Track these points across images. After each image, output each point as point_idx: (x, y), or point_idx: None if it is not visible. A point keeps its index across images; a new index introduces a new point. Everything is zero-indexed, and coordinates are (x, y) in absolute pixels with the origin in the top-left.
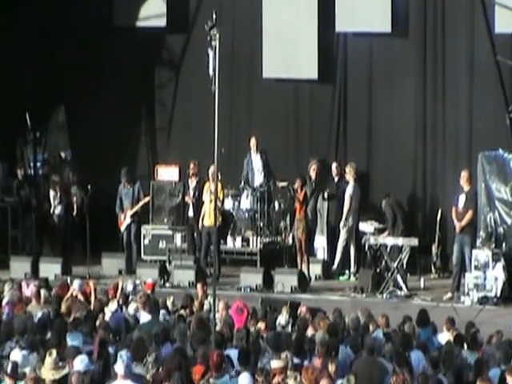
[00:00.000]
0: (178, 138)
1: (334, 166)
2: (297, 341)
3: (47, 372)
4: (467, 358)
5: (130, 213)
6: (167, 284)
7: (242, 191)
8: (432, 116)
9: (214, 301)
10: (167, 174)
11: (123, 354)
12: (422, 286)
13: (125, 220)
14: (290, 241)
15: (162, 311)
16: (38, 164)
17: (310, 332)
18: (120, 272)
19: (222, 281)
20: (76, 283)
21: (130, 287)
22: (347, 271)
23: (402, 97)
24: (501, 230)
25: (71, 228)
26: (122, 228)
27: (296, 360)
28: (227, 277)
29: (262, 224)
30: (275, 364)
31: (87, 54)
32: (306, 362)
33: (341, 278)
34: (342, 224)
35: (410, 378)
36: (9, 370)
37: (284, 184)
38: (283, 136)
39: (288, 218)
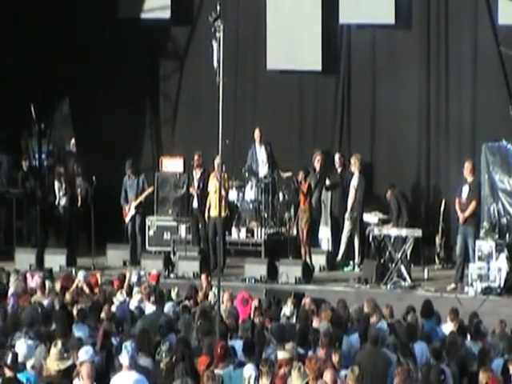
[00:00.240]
0: (182, 130)
1: (337, 157)
2: (301, 331)
3: (52, 363)
4: (471, 348)
5: (134, 204)
6: (172, 275)
7: (247, 182)
8: (435, 107)
9: (219, 292)
10: (172, 165)
11: (128, 345)
12: (425, 276)
13: (129, 211)
14: (295, 232)
15: (171, 303)
16: (43, 156)
17: (315, 323)
18: (124, 263)
19: (227, 272)
20: (81, 274)
21: (134, 278)
22: (351, 262)
23: (405, 88)
24: (504, 220)
25: (76, 219)
26: (127, 219)
27: (300, 351)
28: (232, 268)
29: (266, 215)
30: (281, 355)
31: (92, 46)
32: (310, 353)
33: (345, 268)
34: (347, 215)
35: (414, 369)
36: (9, 360)
37: (288, 174)
38: (287, 127)
39: (292, 209)
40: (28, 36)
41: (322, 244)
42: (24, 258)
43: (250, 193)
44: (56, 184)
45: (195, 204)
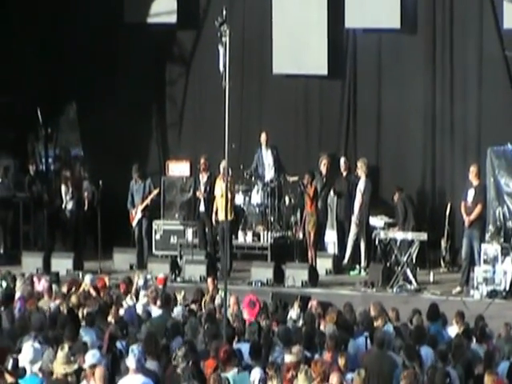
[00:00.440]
0: (188, 134)
1: (342, 160)
2: (307, 335)
3: (59, 366)
4: (477, 350)
5: (140, 207)
6: (178, 279)
7: (253, 186)
8: (441, 112)
9: (226, 295)
10: (178, 169)
11: (135, 349)
12: (431, 279)
13: (136, 215)
14: (301, 235)
15: (180, 307)
16: (50, 160)
17: (321, 326)
18: (131, 267)
19: (233, 275)
20: (88, 278)
21: (141, 282)
22: (357, 266)
23: (411, 92)
24: (510, 224)
25: (83, 223)
26: (134, 223)
27: (307, 354)
28: (238, 271)
29: (272, 219)
30: (288, 359)
31: (98, 51)
32: (316, 356)
33: (351, 272)
34: (353, 219)
35: (420, 372)
36: (9, 366)
37: (294, 178)
38: (293, 131)
39: (298, 213)
40: (35, 40)
41: (328, 248)
42: (31, 262)
43: (257, 197)
44: (63, 188)
45: (202, 208)
